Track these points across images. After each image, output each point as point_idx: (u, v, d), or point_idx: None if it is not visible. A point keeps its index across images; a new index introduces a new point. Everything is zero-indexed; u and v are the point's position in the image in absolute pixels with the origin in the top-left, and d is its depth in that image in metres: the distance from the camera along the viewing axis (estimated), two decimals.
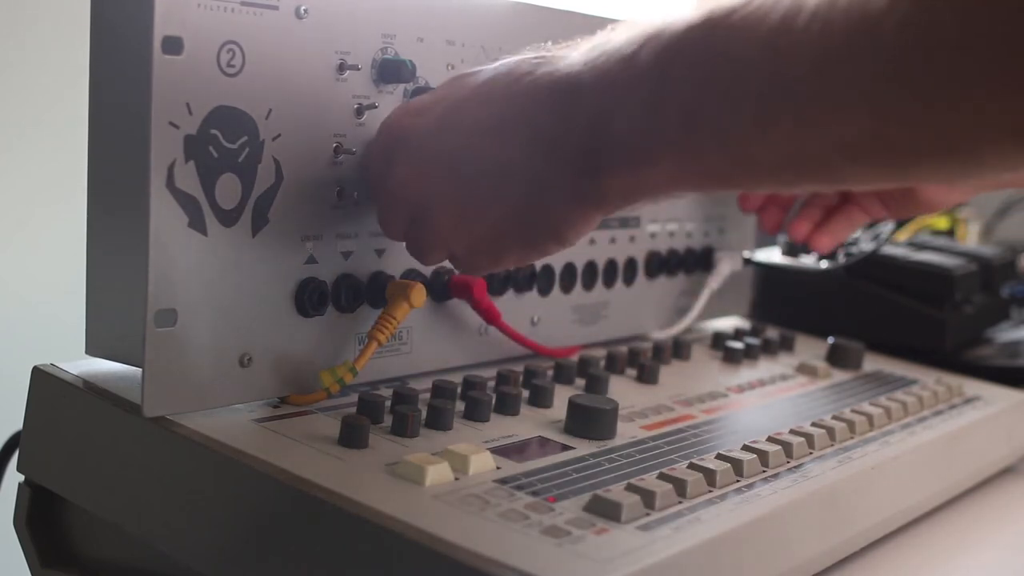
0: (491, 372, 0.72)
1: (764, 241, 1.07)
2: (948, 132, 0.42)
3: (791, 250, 1.08)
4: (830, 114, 0.44)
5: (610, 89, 0.51)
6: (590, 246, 0.84)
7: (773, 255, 1.07)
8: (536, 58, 0.55)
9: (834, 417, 0.72)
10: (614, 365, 0.79)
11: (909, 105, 0.42)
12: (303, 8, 0.60)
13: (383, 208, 0.62)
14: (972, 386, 0.90)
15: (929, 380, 0.88)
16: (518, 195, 0.55)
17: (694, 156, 0.49)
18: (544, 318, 0.80)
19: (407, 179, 0.58)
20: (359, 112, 0.64)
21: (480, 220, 0.57)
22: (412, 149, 0.58)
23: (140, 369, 0.56)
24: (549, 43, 0.57)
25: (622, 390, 0.74)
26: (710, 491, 0.58)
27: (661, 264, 0.91)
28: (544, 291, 0.80)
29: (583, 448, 0.62)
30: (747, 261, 1.00)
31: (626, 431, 0.66)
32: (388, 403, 0.63)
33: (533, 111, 0.53)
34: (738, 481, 0.60)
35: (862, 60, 0.42)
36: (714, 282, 0.95)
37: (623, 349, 0.81)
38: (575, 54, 0.54)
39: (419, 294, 0.65)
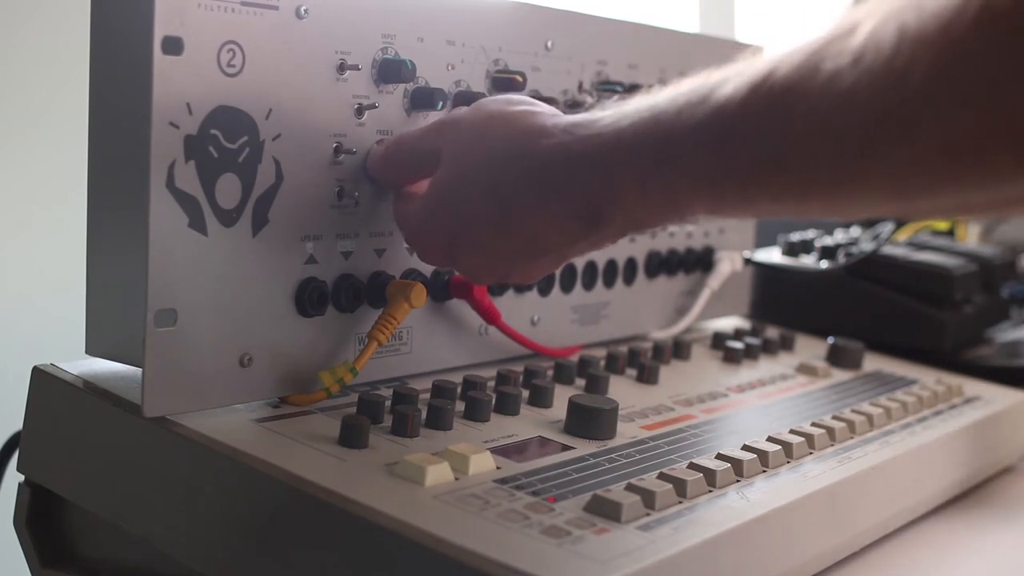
0: (491, 372, 0.72)
1: (764, 241, 1.07)
2: (972, 202, 0.45)
3: (791, 250, 1.08)
4: (857, 198, 0.47)
5: (610, 170, 0.53)
6: None
7: (773, 255, 1.07)
8: (537, 126, 0.57)
9: (834, 417, 0.72)
10: (614, 365, 0.79)
11: (938, 193, 0.45)
12: (303, 8, 0.60)
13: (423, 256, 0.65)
14: (972, 386, 0.90)
15: (929, 380, 0.88)
16: (558, 247, 0.58)
17: (724, 209, 0.53)
18: (544, 318, 0.80)
19: (470, 264, 0.61)
20: (359, 112, 0.64)
21: (526, 271, 0.61)
22: (448, 228, 0.60)
23: (140, 369, 0.56)
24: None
25: (622, 390, 0.74)
26: (710, 491, 0.58)
27: (661, 264, 0.91)
28: (544, 291, 0.80)
29: (583, 448, 0.62)
30: (747, 261, 1.00)
31: (626, 431, 0.66)
32: (388, 403, 0.63)
33: (542, 177, 0.55)
34: (738, 481, 0.60)
35: (889, 152, 0.44)
36: (714, 282, 0.95)
37: (623, 349, 0.81)
38: (577, 127, 0.55)
39: (419, 294, 0.65)
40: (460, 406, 0.65)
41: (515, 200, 0.56)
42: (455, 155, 0.59)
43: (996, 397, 0.88)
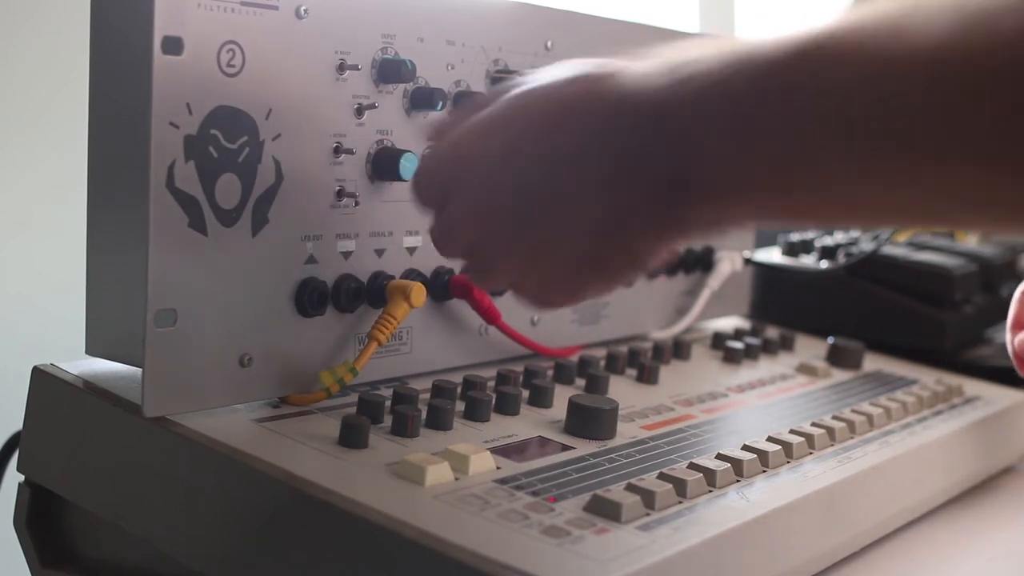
0: (491, 372, 0.72)
1: (764, 241, 1.07)
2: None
3: (791, 250, 1.08)
4: (935, 164, 0.41)
5: (701, 119, 0.46)
6: None
7: (773, 255, 1.07)
8: (602, 73, 0.50)
9: (834, 417, 0.72)
10: (614, 365, 0.79)
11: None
12: (303, 8, 0.60)
13: (439, 236, 0.56)
14: (972, 386, 0.90)
15: (929, 380, 0.88)
16: (596, 231, 0.50)
17: (786, 194, 0.46)
18: (544, 318, 0.80)
19: (469, 214, 0.54)
20: (359, 112, 0.64)
21: (552, 260, 0.52)
22: (474, 182, 0.53)
23: (140, 369, 0.56)
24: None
25: (622, 390, 0.74)
26: (710, 491, 0.58)
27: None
28: None
29: (583, 448, 0.62)
30: (747, 261, 1.00)
31: (626, 431, 0.66)
32: (388, 403, 0.63)
33: (612, 138, 0.49)
34: (738, 481, 0.60)
35: (975, 109, 0.39)
36: (714, 282, 0.95)
37: (623, 349, 0.81)
38: (651, 70, 0.48)
39: (419, 294, 0.65)
40: (460, 406, 0.65)
41: (570, 141, 0.49)
42: (527, 87, 0.52)
43: (996, 397, 0.88)
